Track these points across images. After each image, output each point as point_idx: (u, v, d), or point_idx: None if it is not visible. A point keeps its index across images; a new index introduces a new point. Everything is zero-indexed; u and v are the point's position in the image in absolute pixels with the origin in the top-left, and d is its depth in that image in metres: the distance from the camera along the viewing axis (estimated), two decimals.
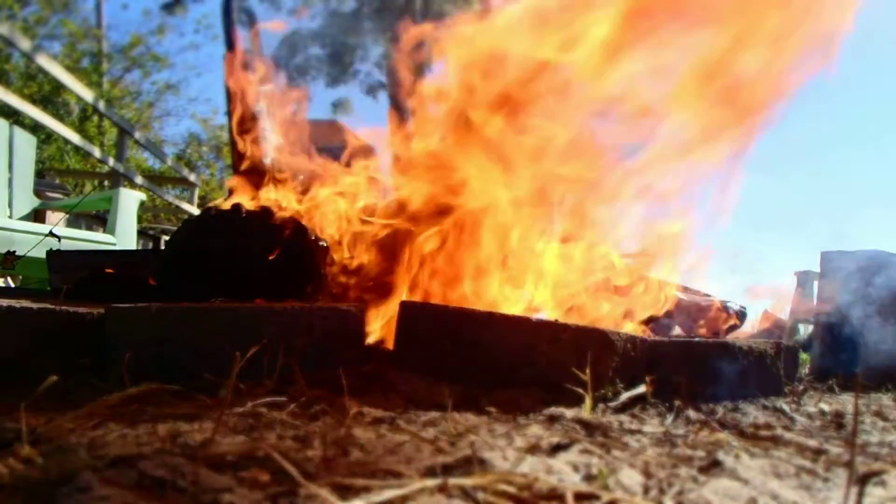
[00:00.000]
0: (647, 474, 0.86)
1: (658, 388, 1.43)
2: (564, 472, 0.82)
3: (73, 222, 4.56)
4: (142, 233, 6.40)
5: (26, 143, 4.01)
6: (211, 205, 2.03)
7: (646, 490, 0.80)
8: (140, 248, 5.69)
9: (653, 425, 1.23)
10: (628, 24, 1.86)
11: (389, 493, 0.68)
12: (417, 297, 1.97)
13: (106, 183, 9.28)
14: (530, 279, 2.03)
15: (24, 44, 5.43)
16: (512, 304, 1.97)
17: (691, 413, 1.40)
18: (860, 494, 0.72)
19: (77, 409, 0.94)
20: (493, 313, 1.56)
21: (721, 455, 0.98)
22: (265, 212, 1.96)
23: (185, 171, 10.70)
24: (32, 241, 2.65)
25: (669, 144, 1.96)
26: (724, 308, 2.40)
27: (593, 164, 2.00)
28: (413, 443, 0.93)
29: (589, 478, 0.82)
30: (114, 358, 1.31)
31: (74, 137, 6.63)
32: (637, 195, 2.02)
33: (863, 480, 0.74)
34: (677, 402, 1.43)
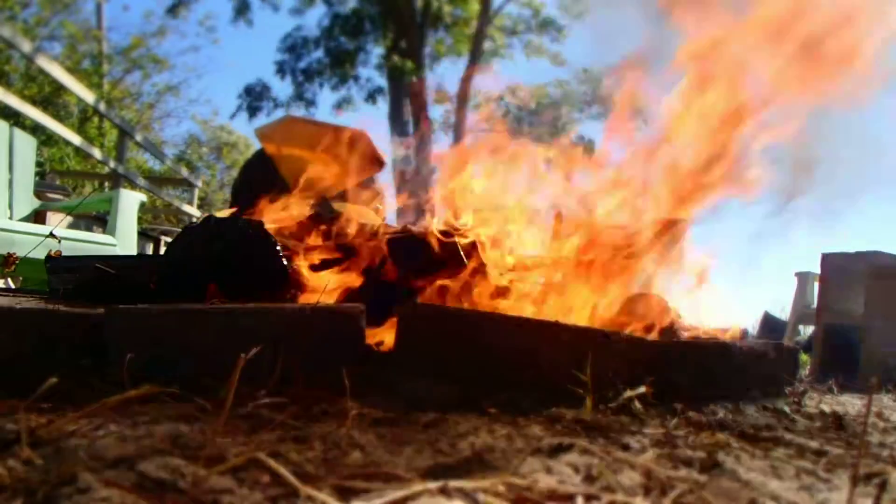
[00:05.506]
0: (648, 475, 0.85)
1: (658, 389, 1.43)
2: (565, 474, 0.82)
3: (73, 223, 4.56)
4: (142, 234, 6.39)
5: (26, 145, 4.01)
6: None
7: (646, 491, 0.79)
8: (140, 249, 5.69)
9: (653, 426, 1.23)
10: None
11: (390, 495, 0.68)
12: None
13: (106, 184, 9.28)
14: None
15: (25, 45, 5.43)
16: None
17: (692, 414, 1.40)
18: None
19: (77, 411, 0.94)
20: (493, 314, 1.56)
21: (721, 456, 0.98)
22: (259, 221, 1.97)
23: (186, 173, 10.71)
24: (33, 243, 2.65)
25: None
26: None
27: None
28: (414, 444, 0.93)
29: (590, 479, 0.81)
30: (113, 359, 1.31)
31: (75, 139, 6.64)
32: None
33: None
34: (678, 404, 1.43)
